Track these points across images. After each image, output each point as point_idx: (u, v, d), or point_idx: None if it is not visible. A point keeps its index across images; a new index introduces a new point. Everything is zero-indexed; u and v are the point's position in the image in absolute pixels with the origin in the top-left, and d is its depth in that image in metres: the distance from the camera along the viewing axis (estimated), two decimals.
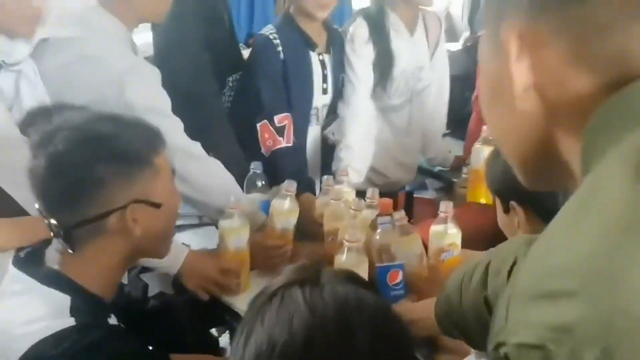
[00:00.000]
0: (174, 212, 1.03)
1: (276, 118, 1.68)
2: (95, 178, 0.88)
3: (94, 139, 0.88)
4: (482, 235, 1.42)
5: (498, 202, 1.08)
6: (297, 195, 1.44)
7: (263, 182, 1.53)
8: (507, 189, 1.03)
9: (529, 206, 1.00)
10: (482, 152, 1.53)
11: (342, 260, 1.19)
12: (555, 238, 0.42)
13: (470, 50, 3.61)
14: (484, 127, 1.57)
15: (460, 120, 2.44)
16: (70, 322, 0.86)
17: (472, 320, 0.83)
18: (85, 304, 0.90)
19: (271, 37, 1.71)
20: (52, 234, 0.92)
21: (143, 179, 0.92)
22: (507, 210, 1.04)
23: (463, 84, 2.36)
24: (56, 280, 0.90)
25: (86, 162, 0.87)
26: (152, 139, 0.96)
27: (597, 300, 0.36)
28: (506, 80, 0.49)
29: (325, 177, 1.55)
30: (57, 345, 0.82)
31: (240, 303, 1.32)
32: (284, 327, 0.56)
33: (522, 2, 0.48)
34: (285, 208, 1.37)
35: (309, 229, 1.50)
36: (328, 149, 1.87)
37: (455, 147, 2.37)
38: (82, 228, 0.89)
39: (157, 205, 0.93)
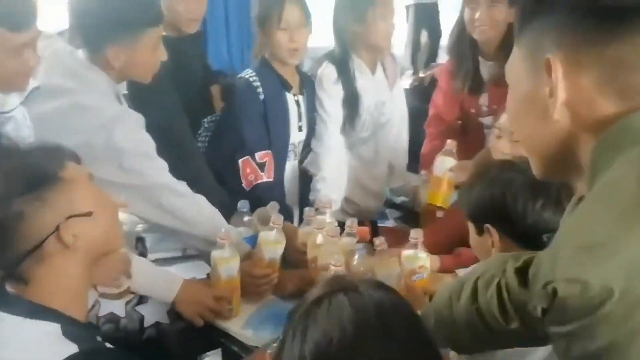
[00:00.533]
0: (110, 212, 1.02)
1: (257, 155, 1.81)
2: (13, 214, 0.88)
3: None
4: (447, 241, 1.66)
5: (471, 226, 1.23)
6: None
7: (249, 218, 1.64)
8: (483, 214, 1.18)
9: (502, 228, 1.16)
10: (443, 162, 1.81)
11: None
12: (587, 215, 0.61)
13: (415, 90, 3.88)
14: (448, 141, 1.83)
15: (412, 154, 2.62)
16: (74, 347, 0.88)
17: (464, 329, 0.97)
18: (73, 327, 0.92)
19: (251, 79, 1.85)
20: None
21: (58, 195, 0.91)
22: (480, 232, 1.19)
23: (412, 121, 2.54)
24: (40, 312, 0.90)
25: None
26: (52, 156, 0.96)
27: (618, 249, 0.54)
28: (541, 96, 0.66)
29: (307, 208, 1.68)
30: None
31: (235, 326, 1.41)
32: (335, 324, 0.68)
33: (565, 40, 0.64)
34: (272, 239, 1.49)
35: (291, 256, 1.61)
36: (305, 181, 2.01)
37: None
38: (26, 262, 0.89)
39: (88, 214, 0.93)
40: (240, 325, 1.41)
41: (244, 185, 1.81)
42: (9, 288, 0.94)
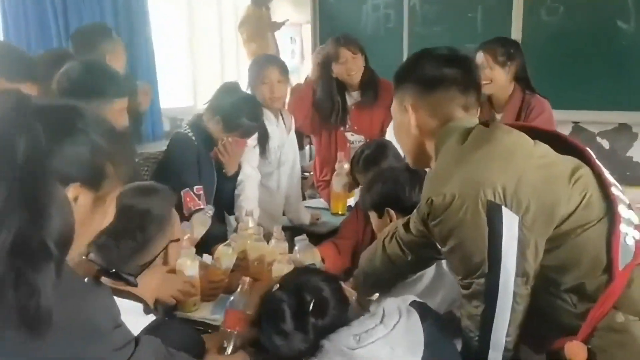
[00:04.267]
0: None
1: (195, 188, 2.29)
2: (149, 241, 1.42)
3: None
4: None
5: (373, 214, 1.81)
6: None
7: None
8: (383, 203, 1.76)
9: (396, 208, 1.74)
10: (338, 181, 2.66)
11: (276, 268, 1.83)
12: (436, 167, 1.29)
13: None
14: (337, 165, 2.69)
15: None
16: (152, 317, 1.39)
17: (383, 272, 1.61)
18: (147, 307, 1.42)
19: (189, 133, 2.36)
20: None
21: (168, 227, 1.46)
22: (380, 216, 1.77)
23: None
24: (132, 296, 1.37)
25: None
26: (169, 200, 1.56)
27: (452, 176, 1.21)
28: (405, 122, 1.35)
29: (238, 224, 2.18)
30: (157, 326, 1.35)
31: (205, 314, 1.83)
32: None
33: (412, 96, 1.34)
34: (230, 252, 1.97)
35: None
36: None
37: None
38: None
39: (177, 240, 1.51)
40: (209, 314, 1.83)
41: (184, 211, 2.22)
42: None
